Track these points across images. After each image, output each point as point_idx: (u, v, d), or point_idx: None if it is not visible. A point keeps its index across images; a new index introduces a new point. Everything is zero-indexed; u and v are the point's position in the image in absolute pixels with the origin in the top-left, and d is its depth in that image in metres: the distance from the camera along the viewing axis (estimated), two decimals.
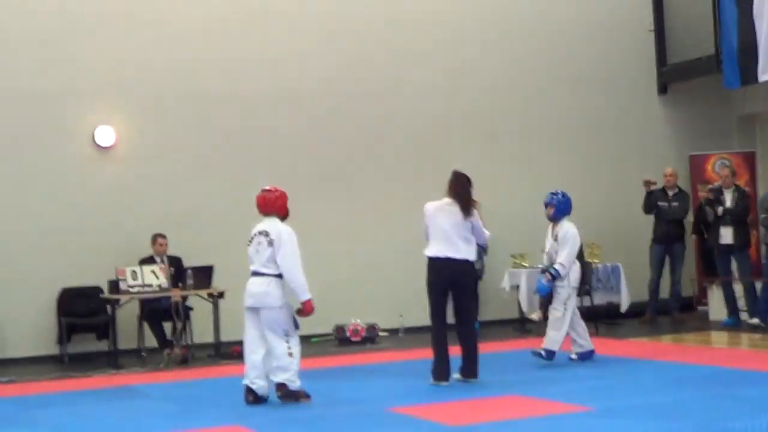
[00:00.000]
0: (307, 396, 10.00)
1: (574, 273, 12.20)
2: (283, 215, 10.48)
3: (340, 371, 12.35)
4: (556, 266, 11.91)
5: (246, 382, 10.05)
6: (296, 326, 10.15)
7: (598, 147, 17.91)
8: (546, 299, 14.13)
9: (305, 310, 10.16)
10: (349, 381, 11.33)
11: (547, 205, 12.34)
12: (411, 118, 16.76)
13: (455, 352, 10.78)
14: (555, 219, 12.25)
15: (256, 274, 10.19)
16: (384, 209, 16.29)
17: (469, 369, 10.83)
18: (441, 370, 10.69)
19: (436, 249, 10.76)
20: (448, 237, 10.75)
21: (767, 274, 15.33)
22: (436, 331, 10.82)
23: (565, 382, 10.61)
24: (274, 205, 10.48)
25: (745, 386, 9.87)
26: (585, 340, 12.22)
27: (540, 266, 12.65)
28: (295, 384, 9.93)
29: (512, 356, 12.79)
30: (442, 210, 10.86)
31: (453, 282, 10.83)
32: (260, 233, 10.29)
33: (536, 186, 16.06)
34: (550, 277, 11.94)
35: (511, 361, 12.28)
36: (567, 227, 12.12)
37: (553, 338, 11.99)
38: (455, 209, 10.84)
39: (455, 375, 10.80)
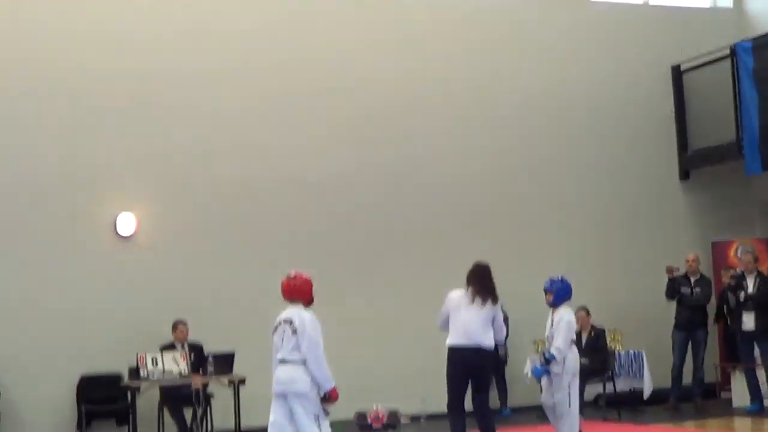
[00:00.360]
0: None
1: (572, 359, 12.02)
2: (308, 302, 10.35)
3: None
4: (552, 350, 11.82)
5: None
6: (326, 413, 9.99)
7: (620, 233, 17.90)
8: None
9: (331, 398, 10.00)
10: None
11: (546, 291, 12.25)
12: (430, 205, 16.83)
13: None
14: (555, 305, 12.17)
15: (282, 361, 10.04)
16: (405, 294, 16.27)
17: None
18: None
19: (455, 338, 10.81)
20: (467, 326, 10.82)
21: None
22: (454, 423, 10.84)
23: None
24: (299, 291, 10.37)
25: None
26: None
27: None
28: None
29: None
30: (464, 299, 10.92)
31: (472, 372, 10.89)
32: (285, 321, 10.16)
33: (558, 271, 16.07)
34: (543, 360, 11.89)
35: None
36: (563, 312, 12.05)
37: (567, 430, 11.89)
38: (477, 300, 10.92)
39: None
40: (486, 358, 10.89)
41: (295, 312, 10.15)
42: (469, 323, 10.79)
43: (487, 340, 10.86)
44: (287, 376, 9.90)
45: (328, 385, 9.90)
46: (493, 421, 11.11)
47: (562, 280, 12.25)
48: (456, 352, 10.76)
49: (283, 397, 9.93)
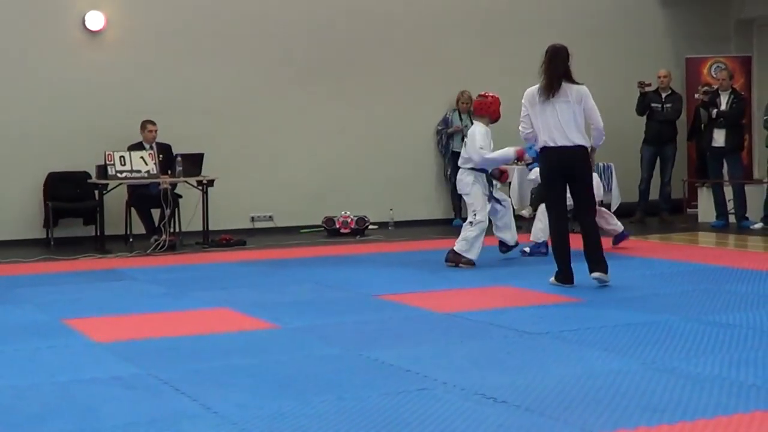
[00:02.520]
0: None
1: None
2: (495, 119, 11.76)
3: (328, 260, 12.30)
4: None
5: None
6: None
7: (595, 48, 17.70)
8: (537, 196, 14.20)
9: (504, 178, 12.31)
10: (337, 270, 11.26)
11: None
12: (401, 14, 16.56)
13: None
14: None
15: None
16: (377, 104, 16.16)
17: (600, 263, 9.84)
18: (567, 273, 9.90)
19: (546, 137, 9.77)
20: (564, 124, 9.78)
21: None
22: (553, 228, 10.19)
23: (551, 275, 10.50)
24: (488, 109, 11.71)
25: (732, 282, 9.89)
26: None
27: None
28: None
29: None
30: (539, 95, 9.91)
31: (563, 171, 9.84)
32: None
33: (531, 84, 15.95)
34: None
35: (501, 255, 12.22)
36: None
37: (538, 229, 12.23)
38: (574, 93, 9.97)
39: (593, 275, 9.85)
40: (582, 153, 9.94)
41: (473, 126, 11.73)
42: (556, 119, 9.79)
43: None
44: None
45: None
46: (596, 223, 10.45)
47: None
48: (551, 151, 9.77)
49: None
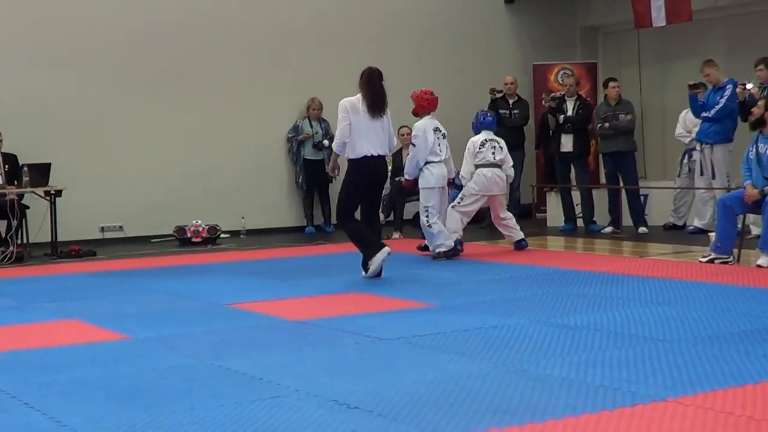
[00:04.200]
0: None
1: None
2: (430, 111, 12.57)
3: (179, 270, 12.20)
4: None
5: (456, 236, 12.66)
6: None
7: (442, 56, 17.96)
8: (389, 202, 14.35)
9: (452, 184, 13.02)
10: (188, 279, 11.17)
11: None
12: (250, 21, 16.55)
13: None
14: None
15: (440, 162, 12.53)
16: (228, 113, 16.11)
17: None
18: (374, 246, 10.77)
19: (367, 147, 10.66)
20: (373, 134, 10.74)
21: (610, 181, 15.60)
22: (354, 222, 10.94)
23: (404, 282, 10.61)
24: (435, 104, 12.57)
25: (580, 285, 10.06)
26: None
27: None
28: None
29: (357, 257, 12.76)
30: (360, 107, 10.72)
31: (378, 180, 11.05)
32: (438, 129, 12.50)
33: None
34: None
35: (356, 261, 12.25)
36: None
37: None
38: (377, 108, 10.79)
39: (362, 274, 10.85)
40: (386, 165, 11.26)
41: (436, 122, 12.49)
42: (372, 130, 10.72)
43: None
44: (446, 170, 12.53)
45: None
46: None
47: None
48: (369, 159, 10.67)
49: (442, 188, 12.48)
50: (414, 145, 12.39)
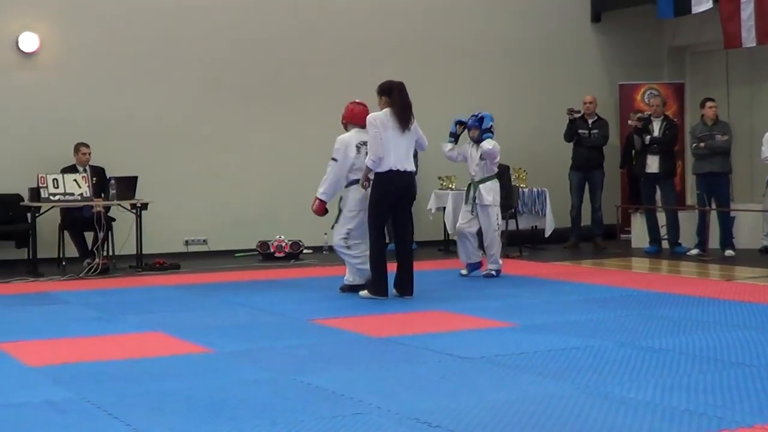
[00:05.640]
0: None
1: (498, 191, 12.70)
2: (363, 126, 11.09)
3: (262, 285, 12.26)
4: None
5: None
6: None
7: (529, 72, 17.91)
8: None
9: None
10: (271, 294, 11.20)
11: (471, 127, 12.61)
12: (339, 41, 16.62)
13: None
14: (480, 140, 12.49)
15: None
16: (312, 128, 16.11)
17: (406, 285, 10.85)
18: (383, 285, 10.70)
19: (394, 161, 10.59)
20: (401, 149, 10.67)
21: (701, 203, 15.39)
22: (380, 246, 10.79)
23: (486, 300, 10.60)
24: (362, 117, 11.07)
25: (665, 307, 9.94)
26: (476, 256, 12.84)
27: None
28: None
29: (437, 276, 12.77)
30: (389, 121, 10.64)
31: (406, 195, 10.91)
32: (364, 143, 11.02)
33: (465, 111, 16.01)
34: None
35: (436, 280, 12.26)
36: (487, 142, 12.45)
37: (495, 256, 12.65)
38: (403, 121, 10.71)
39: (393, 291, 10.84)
40: (414, 180, 11.01)
41: (365, 135, 10.96)
42: (401, 144, 10.65)
43: (412, 162, 10.91)
44: None
45: None
46: (411, 249, 11.50)
47: (483, 116, 12.54)
48: (393, 174, 10.59)
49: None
50: (335, 160, 11.22)
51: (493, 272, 12.60)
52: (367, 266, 10.91)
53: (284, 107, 16.17)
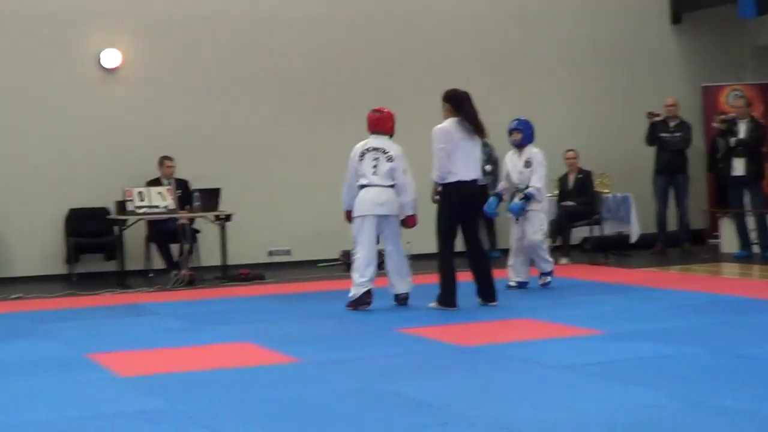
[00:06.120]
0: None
1: (545, 198, 12.28)
2: (391, 133, 11.05)
3: (347, 294, 12.22)
4: (531, 189, 11.84)
5: (370, 286, 10.66)
6: None
7: (610, 77, 17.75)
8: (556, 227, 14.22)
9: (408, 223, 10.92)
10: None
11: (513, 131, 12.26)
12: (422, 50, 16.61)
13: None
14: (522, 145, 12.18)
15: (373, 186, 10.75)
16: (395, 139, 16.09)
17: (489, 292, 10.76)
18: (452, 297, 10.59)
19: (463, 172, 10.51)
20: (471, 159, 10.60)
21: None
22: (449, 256, 10.65)
23: (572, 308, 10.51)
24: (384, 125, 11.01)
25: (758, 314, 9.79)
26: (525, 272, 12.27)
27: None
28: None
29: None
30: (459, 130, 10.58)
31: (475, 204, 10.87)
32: (375, 149, 10.83)
33: (546, 116, 16.01)
34: (524, 197, 11.89)
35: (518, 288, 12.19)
36: (534, 151, 12.08)
37: (541, 265, 12.19)
38: (472, 130, 10.64)
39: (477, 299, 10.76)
40: (484, 189, 11.01)
41: (385, 142, 10.93)
42: (471, 154, 10.59)
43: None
44: (386, 198, 10.75)
45: (412, 211, 10.84)
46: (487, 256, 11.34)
47: (527, 120, 12.29)
48: (463, 184, 10.49)
49: (376, 218, 10.74)
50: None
51: (548, 278, 12.22)
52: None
53: (365, 118, 16.15)
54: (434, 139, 10.56)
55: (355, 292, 10.61)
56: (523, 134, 12.13)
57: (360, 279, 10.58)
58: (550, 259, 12.34)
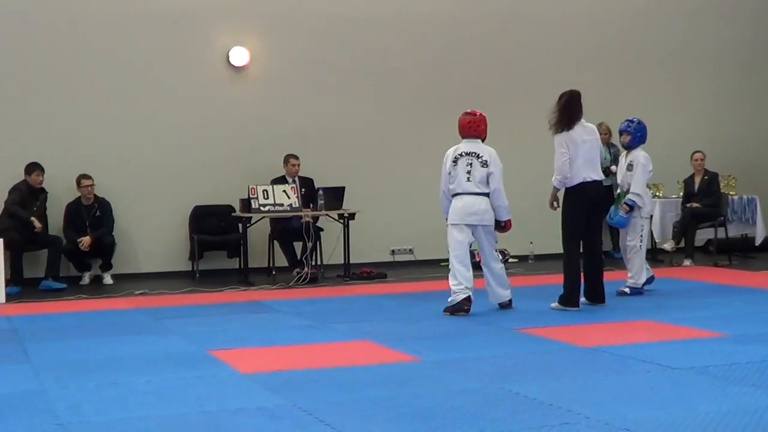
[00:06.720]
0: None
1: (647, 203, 11.92)
2: (485, 137, 10.85)
3: None
4: (631, 196, 11.63)
5: (469, 293, 10.42)
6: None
7: (739, 78, 17.50)
8: (680, 228, 14.05)
9: (507, 227, 10.80)
10: (476, 302, 11.06)
11: (622, 132, 12.07)
12: (539, 49, 16.57)
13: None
14: (630, 147, 11.97)
15: (469, 193, 10.55)
16: (516, 135, 16.06)
17: (597, 293, 10.77)
18: (575, 297, 10.60)
19: (586, 173, 10.51)
20: (593, 160, 10.61)
21: None
22: (573, 258, 10.67)
23: (695, 310, 10.41)
24: (477, 128, 10.79)
25: None
26: (638, 275, 11.84)
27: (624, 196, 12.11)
28: None
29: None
30: (580, 134, 10.55)
31: (599, 205, 10.81)
32: (469, 154, 10.64)
33: (670, 117, 15.90)
34: (627, 208, 11.64)
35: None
36: (638, 154, 11.83)
37: (635, 273, 11.83)
38: (593, 132, 10.71)
39: (582, 299, 10.74)
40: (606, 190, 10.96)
41: (478, 146, 10.71)
42: (593, 155, 10.61)
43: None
44: (481, 207, 10.57)
45: (508, 216, 10.71)
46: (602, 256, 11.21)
47: (639, 121, 12.05)
48: (588, 185, 10.52)
49: (471, 227, 10.57)
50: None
51: (627, 290, 11.75)
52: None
53: (488, 114, 16.16)
54: (558, 143, 10.55)
55: (453, 297, 10.46)
56: (631, 136, 11.96)
57: (457, 287, 10.44)
58: (643, 273, 11.86)
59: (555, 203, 10.85)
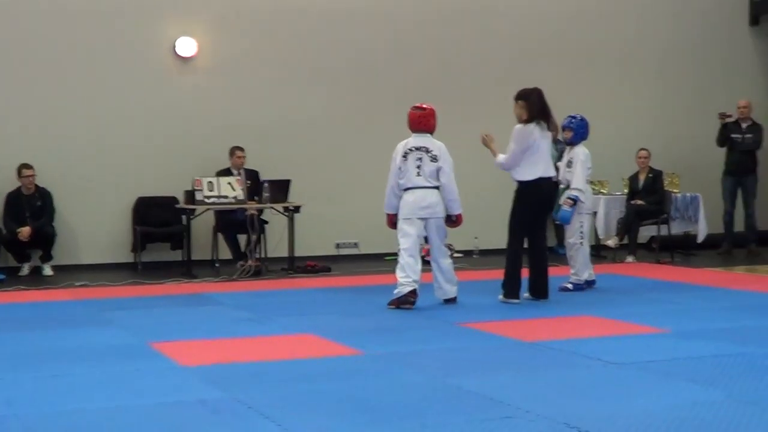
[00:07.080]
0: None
1: (589, 199, 12.01)
2: (433, 131, 10.81)
3: None
4: (573, 192, 11.59)
5: (415, 286, 10.40)
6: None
7: (683, 77, 17.64)
8: (624, 225, 14.14)
9: (459, 221, 10.84)
10: (420, 297, 11.05)
11: (565, 128, 11.97)
12: (488, 45, 16.60)
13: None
14: (573, 143, 11.97)
15: (419, 187, 10.56)
16: (466, 131, 16.08)
17: (541, 288, 10.84)
18: (515, 288, 10.69)
19: (542, 170, 10.58)
20: (547, 157, 10.68)
21: None
22: (517, 251, 10.75)
23: (637, 306, 10.50)
24: (427, 123, 10.79)
25: None
26: (582, 271, 11.85)
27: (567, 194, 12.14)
28: None
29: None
30: (537, 130, 10.57)
31: (550, 202, 10.95)
32: (419, 149, 10.62)
33: (615, 114, 16.01)
34: (571, 202, 11.58)
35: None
36: (578, 151, 11.83)
37: (578, 270, 11.83)
38: (546, 129, 10.68)
39: (525, 294, 10.80)
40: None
41: (428, 141, 10.69)
42: (546, 153, 10.66)
43: None
44: (433, 200, 10.58)
45: (459, 210, 10.72)
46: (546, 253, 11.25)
47: (582, 118, 12.07)
48: (542, 182, 10.59)
49: (423, 220, 10.56)
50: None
51: (569, 285, 11.75)
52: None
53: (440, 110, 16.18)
54: (514, 138, 10.58)
55: (399, 290, 10.42)
56: (574, 132, 11.95)
57: (405, 279, 10.43)
58: (586, 269, 11.87)
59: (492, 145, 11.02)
